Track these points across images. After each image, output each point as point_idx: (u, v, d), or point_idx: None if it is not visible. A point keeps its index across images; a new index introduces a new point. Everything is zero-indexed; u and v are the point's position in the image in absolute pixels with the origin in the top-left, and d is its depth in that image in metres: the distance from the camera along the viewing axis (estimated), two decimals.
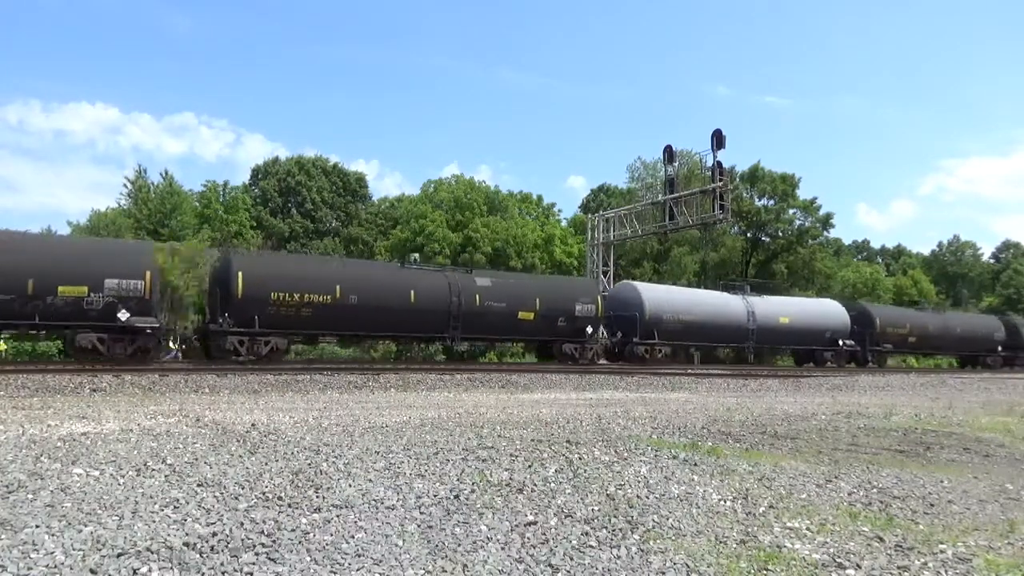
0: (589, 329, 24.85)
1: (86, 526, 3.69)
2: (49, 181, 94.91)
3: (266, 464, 5.51)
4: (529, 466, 5.85)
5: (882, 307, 38.69)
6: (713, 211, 30.69)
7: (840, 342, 32.00)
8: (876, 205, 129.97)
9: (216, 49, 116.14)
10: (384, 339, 27.33)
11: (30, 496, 4.24)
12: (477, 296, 22.74)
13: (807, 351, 32.28)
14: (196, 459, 5.59)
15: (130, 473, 4.97)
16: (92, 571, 3.09)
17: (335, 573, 3.27)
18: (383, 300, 21.03)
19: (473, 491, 4.89)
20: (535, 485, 5.15)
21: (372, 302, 20.77)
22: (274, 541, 3.61)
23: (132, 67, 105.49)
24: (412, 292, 21.57)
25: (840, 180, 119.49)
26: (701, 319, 28.31)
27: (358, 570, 3.32)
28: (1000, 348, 38.97)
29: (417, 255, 29.37)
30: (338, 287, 20.30)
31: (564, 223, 53.28)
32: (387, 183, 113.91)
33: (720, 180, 30.15)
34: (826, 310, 33.20)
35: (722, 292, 31.62)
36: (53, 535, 3.52)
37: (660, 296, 28.32)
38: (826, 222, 51.01)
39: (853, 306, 34.79)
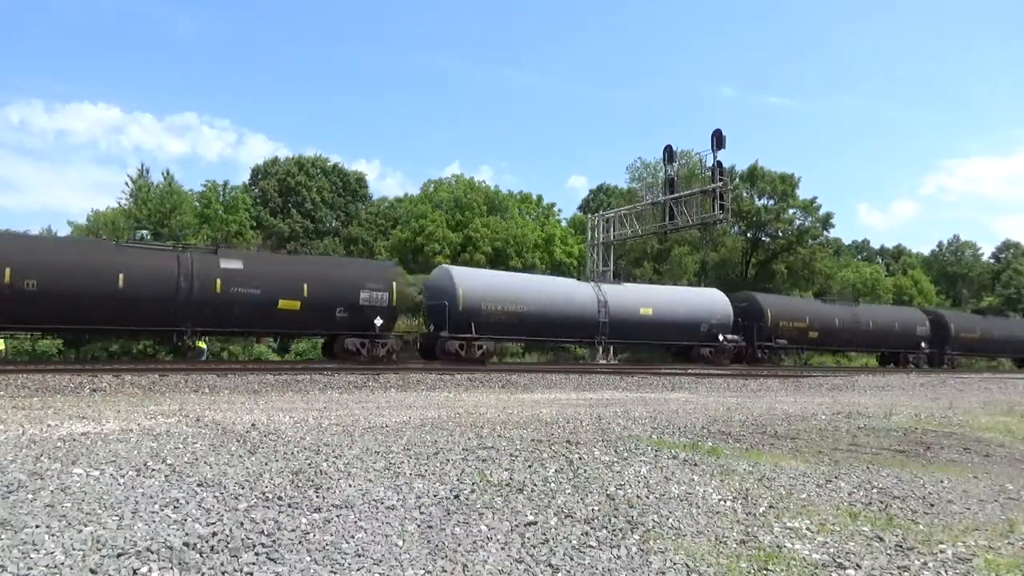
0: (379, 321, 21.01)
1: (86, 526, 3.69)
2: (50, 181, 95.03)
3: (266, 464, 5.51)
4: (529, 466, 5.85)
5: (777, 297, 35.11)
6: (713, 211, 30.73)
7: (721, 337, 28.28)
8: (877, 205, 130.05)
9: (218, 49, 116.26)
10: (86, 333, 23.01)
11: (30, 496, 4.24)
12: (218, 281, 18.77)
13: (682, 347, 28.89)
14: (196, 459, 5.59)
15: (130, 473, 4.97)
16: (92, 571, 3.09)
17: (335, 573, 3.27)
18: (78, 286, 17.02)
19: (473, 491, 4.89)
20: (535, 485, 5.15)
21: (58, 288, 16.76)
22: (274, 541, 3.61)
23: (134, 67, 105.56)
24: (121, 276, 17.66)
25: (842, 180, 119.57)
26: (535, 310, 24.27)
27: (358, 570, 3.32)
28: (924, 345, 35.61)
29: (146, 232, 24.40)
30: (7, 270, 16.34)
31: (564, 223, 53.32)
32: (389, 183, 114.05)
33: (720, 180, 30.18)
34: (703, 300, 29.31)
35: (572, 280, 28.40)
36: (53, 535, 3.52)
37: (479, 282, 24.11)
38: (826, 222, 51.04)
39: (742, 297, 31.81)
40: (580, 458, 6.32)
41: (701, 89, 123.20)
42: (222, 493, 4.52)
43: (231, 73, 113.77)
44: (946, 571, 3.72)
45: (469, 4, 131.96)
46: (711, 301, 29.13)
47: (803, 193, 49.93)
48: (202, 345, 23.24)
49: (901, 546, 4.10)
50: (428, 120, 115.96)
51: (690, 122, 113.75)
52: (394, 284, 21.49)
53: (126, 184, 44.03)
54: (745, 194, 48.52)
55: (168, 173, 43.90)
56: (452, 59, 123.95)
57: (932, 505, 5.26)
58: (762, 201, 49.73)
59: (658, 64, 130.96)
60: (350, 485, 4.91)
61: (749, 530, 4.27)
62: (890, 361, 35.69)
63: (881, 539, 4.21)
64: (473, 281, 23.87)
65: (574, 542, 3.90)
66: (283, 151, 75.64)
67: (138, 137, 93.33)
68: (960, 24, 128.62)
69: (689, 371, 23.03)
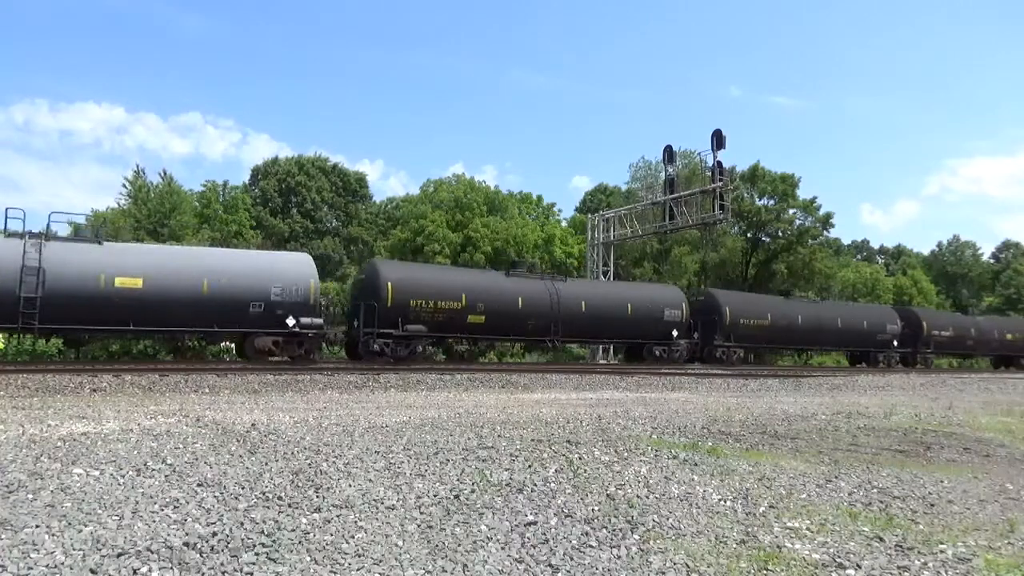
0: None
1: (86, 526, 3.69)
2: (54, 181, 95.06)
3: (266, 464, 5.51)
4: (529, 466, 5.85)
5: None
6: (713, 211, 30.74)
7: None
8: (880, 205, 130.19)
9: (223, 49, 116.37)
10: None
11: (30, 496, 4.24)
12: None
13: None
14: (196, 459, 5.58)
15: (130, 473, 4.97)
16: (92, 571, 3.09)
17: (335, 573, 3.27)
18: None
19: (473, 491, 4.89)
20: (535, 485, 5.15)
21: None
22: (274, 541, 3.61)
23: (138, 67, 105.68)
24: None
25: (844, 180, 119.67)
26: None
27: (358, 570, 3.32)
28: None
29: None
30: None
31: (564, 223, 53.32)
32: (392, 183, 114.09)
33: (720, 180, 30.19)
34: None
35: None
36: (53, 535, 3.52)
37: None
38: (826, 222, 51.01)
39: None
40: (580, 458, 6.32)
41: (708, 89, 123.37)
42: (222, 493, 4.52)
43: (235, 73, 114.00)
44: (946, 571, 3.72)
45: (475, 5, 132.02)
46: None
47: (804, 193, 49.97)
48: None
49: (901, 546, 4.10)
50: (432, 120, 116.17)
51: (697, 122, 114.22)
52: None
53: (123, 185, 44.11)
54: (745, 194, 48.51)
55: (166, 173, 43.98)
56: (455, 59, 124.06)
57: (932, 505, 5.26)
58: (762, 201, 49.73)
59: (664, 64, 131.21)
60: (350, 485, 4.91)
61: (749, 530, 4.27)
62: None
63: (881, 539, 4.21)
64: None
65: (574, 542, 3.90)
66: (286, 151, 75.80)
67: (142, 137, 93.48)
68: (964, 24, 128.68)
69: (689, 371, 23.02)
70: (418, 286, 21.90)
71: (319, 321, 20.07)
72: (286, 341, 19.58)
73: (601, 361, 31.42)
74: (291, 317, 19.40)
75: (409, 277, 22.28)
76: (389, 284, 21.16)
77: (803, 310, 31.91)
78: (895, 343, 34.34)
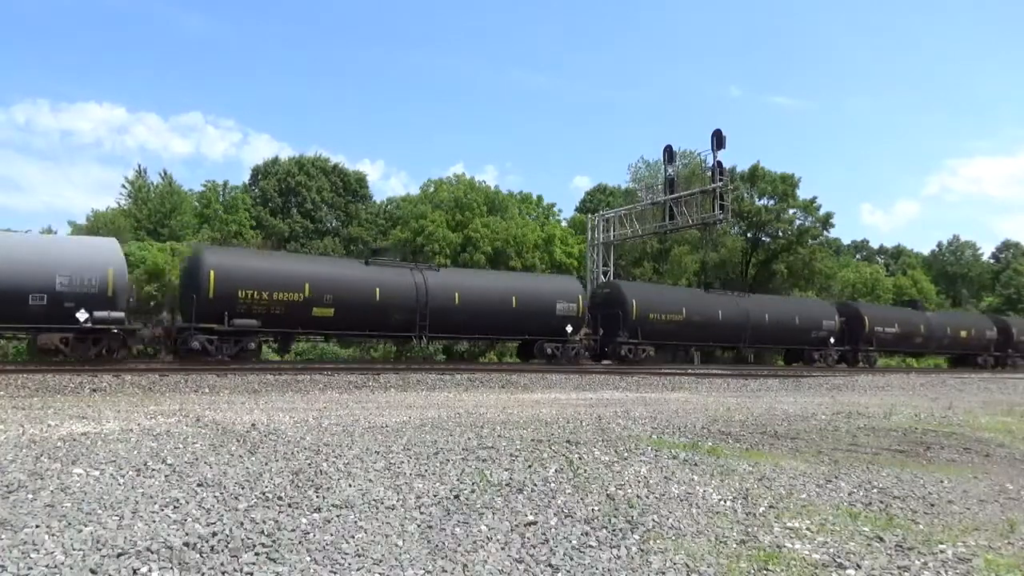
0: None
1: (86, 526, 3.69)
2: (55, 181, 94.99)
3: (266, 464, 5.51)
4: (529, 466, 5.85)
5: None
6: (713, 211, 30.73)
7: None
8: (881, 205, 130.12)
9: (224, 49, 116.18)
10: None
11: (30, 496, 4.24)
12: None
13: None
14: (196, 459, 5.58)
15: (130, 473, 4.97)
16: (92, 571, 3.09)
17: (335, 573, 3.27)
18: None
19: (473, 491, 4.89)
20: (535, 485, 5.15)
21: None
22: (274, 541, 3.61)
23: (140, 67, 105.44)
24: None
25: (845, 180, 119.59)
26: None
27: (358, 570, 3.32)
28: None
29: None
30: None
31: (564, 223, 53.31)
32: (393, 183, 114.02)
33: (720, 180, 30.20)
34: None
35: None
36: (53, 535, 3.52)
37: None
38: (826, 222, 51.00)
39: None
40: (580, 458, 6.32)
41: (708, 89, 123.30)
42: (222, 493, 4.52)
43: (236, 73, 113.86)
44: (946, 571, 3.72)
45: (475, 5, 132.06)
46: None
47: (804, 193, 49.97)
48: None
49: (901, 546, 4.10)
50: (433, 121, 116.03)
51: (697, 122, 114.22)
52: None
53: (123, 185, 44.14)
54: (745, 194, 48.53)
55: (166, 173, 44.01)
56: (455, 60, 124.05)
57: (932, 505, 5.26)
58: (762, 201, 49.74)
59: (664, 64, 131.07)
60: (350, 485, 4.91)
61: (749, 530, 4.27)
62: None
63: (881, 539, 4.21)
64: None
65: (574, 542, 3.90)
66: (287, 151, 75.84)
67: (143, 137, 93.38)
68: (965, 24, 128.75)
69: (689, 371, 23.02)
70: (248, 274, 19.07)
71: (119, 315, 17.36)
72: (78, 339, 17.01)
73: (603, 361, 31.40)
74: (83, 311, 16.86)
75: (237, 264, 19.46)
76: (212, 272, 18.42)
77: (725, 304, 29.10)
78: (832, 340, 31.55)
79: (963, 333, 37.67)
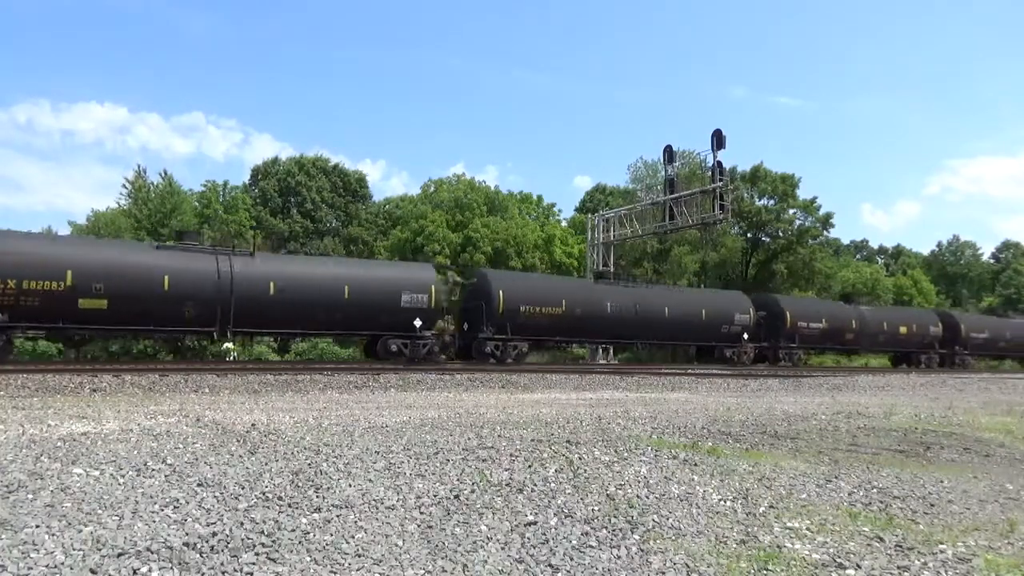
0: None
1: (86, 526, 3.69)
2: (56, 181, 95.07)
3: (266, 464, 5.51)
4: (529, 466, 5.85)
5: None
6: (713, 211, 30.73)
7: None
8: (881, 205, 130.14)
9: (225, 49, 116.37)
10: None
11: (30, 496, 4.24)
12: None
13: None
14: (196, 459, 5.58)
15: (130, 473, 4.97)
16: (92, 571, 3.09)
17: (335, 573, 3.27)
18: None
19: (473, 491, 4.89)
20: (535, 485, 5.15)
21: None
22: (274, 541, 3.61)
23: (141, 67, 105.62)
24: None
25: (846, 180, 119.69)
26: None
27: (358, 570, 3.32)
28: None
29: None
30: None
31: (564, 223, 53.31)
32: (394, 183, 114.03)
33: (720, 180, 30.20)
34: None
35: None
36: (53, 535, 3.52)
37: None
38: (826, 222, 51.05)
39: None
40: (580, 458, 6.32)
41: (710, 89, 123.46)
42: (222, 493, 4.52)
43: (238, 73, 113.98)
44: (946, 571, 3.72)
45: (475, 5, 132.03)
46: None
47: (804, 193, 50.02)
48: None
49: (901, 546, 4.10)
50: (434, 121, 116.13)
51: (697, 122, 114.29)
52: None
53: (124, 185, 44.12)
54: (746, 194, 48.55)
55: (167, 173, 43.99)
56: (456, 60, 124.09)
57: (932, 505, 5.26)
58: (762, 201, 49.77)
59: (665, 64, 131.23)
60: (350, 485, 4.91)
61: (749, 530, 4.27)
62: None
63: (881, 539, 4.21)
64: None
65: (574, 542, 3.90)
66: (288, 151, 75.76)
67: (144, 137, 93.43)
68: (966, 24, 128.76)
69: (689, 371, 23.00)
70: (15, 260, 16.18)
71: None
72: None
73: (601, 361, 31.43)
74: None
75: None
76: None
77: (616, 296, 26.03)
78: (746, 336, 28.69)
79: (902, 329, 34.36)
